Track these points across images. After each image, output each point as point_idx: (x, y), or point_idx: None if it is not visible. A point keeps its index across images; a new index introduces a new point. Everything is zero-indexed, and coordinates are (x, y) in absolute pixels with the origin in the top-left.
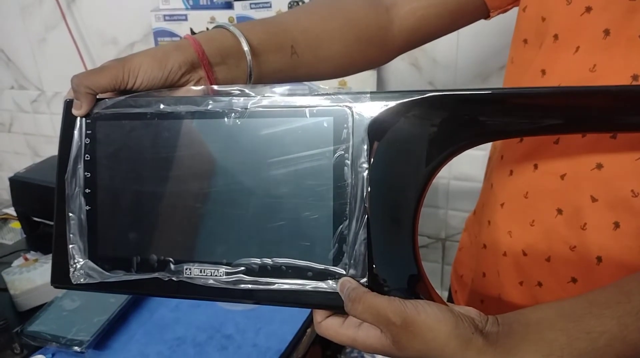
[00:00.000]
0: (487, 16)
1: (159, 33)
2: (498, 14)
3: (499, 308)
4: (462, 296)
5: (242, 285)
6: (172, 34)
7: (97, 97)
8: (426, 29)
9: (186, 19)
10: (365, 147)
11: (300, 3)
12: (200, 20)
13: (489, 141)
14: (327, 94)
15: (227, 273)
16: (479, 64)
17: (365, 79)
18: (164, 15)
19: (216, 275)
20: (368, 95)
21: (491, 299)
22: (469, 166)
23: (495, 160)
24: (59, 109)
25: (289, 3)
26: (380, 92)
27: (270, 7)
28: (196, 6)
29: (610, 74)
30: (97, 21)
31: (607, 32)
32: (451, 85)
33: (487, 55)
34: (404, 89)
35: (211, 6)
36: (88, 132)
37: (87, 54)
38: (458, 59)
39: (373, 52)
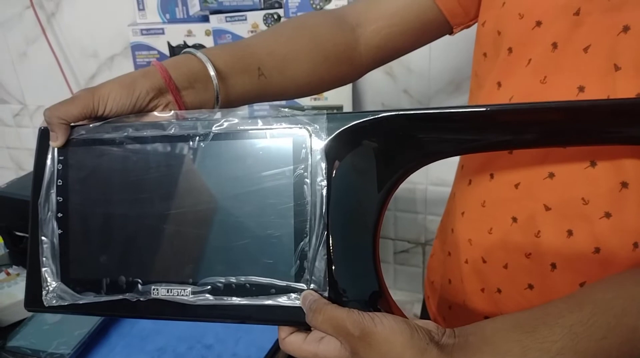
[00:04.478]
0: (450, 32)
1: (136, 47)
2: (461, 29)
3: (464, 314)
4: (434, 302)
5: (208, 304)
6: (149, 48)
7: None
8: (392, 47)
9: (163, 33)
10: (323, 166)
11: (275, 16)
12: (177, 34)
13: (442, 159)
14: (286, 116)
15: (194, 293)
16: (451, 72)
17: (341, 89)
18: (141, 30)
19: (183, 295)
20: (325, 116)
21: (457, 305)
22: (446, 172)
23: (457, 170)
24: (41, 122)
25: (264, 16)
26: (337, 112)
27: (246, 20)
28: (173, 20)
29: (558, 85)
30: (77, 35)
31: (555, 46)
32: (425, 92)
33: (459, 63)
34: (378, 96)
35: (188, 20)
36: (60, 158)
37: (68, 68)
38: (431, 68)
39: (341, 71)
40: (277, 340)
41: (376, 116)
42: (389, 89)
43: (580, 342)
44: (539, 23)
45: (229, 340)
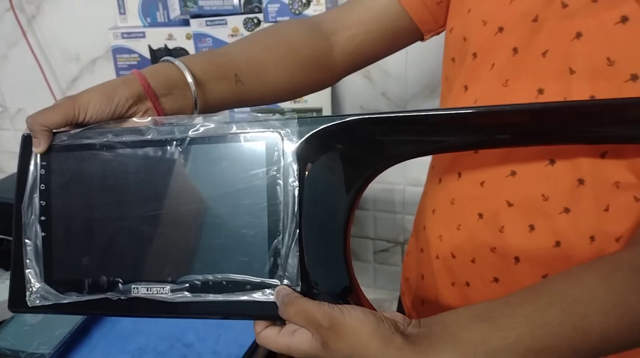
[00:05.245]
0: (422, 38)
1: (117, 50)
2: (432, 36)
3: (436, 308)
4: (409, 298)
5: (187, 301)
6: (130, 51)
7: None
8: (366, 53)
9: (144, 37)
10: (295, 167)
11: (255, 20)
12: (158, 38)
13: (405, 160)
14: (259, 120)
15: (172, 291)
16: (427, 75)
17: (320, 92)
18: (122, 33)
19: (162, 293)
20: (296, 121)
21: (430, 300)
22: (423, 173)
23: (429, 170)
24: (22, 126)
25: (244, 20)
26: (308, 117)
27: (226, 24)
28: (154, 24)
29: (519, 88)
30: (58, 38)
31: (515, 50)
32: (402, 95)
33: (434, 68)
34: (357, 99)
35: (168, 24)
36: (43, 163)
37: (49, 70)
38: (407, 72)
39: (317, 77)
40: None
41: (343, 120)
42: (368, 92)
43: (536, 329)
44: (501, 29)
45: (209, 339)
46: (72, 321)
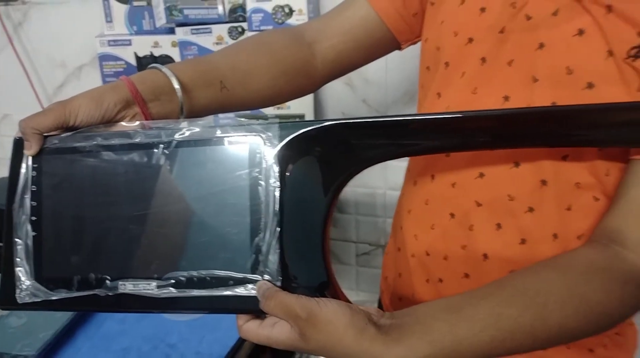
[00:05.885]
0: (399, 47)
1: (104, 57)
2: (408, 45)
3: (413, 304)
4: (387, 296)
5: (172, 296)
6: (117, 58)
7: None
8: (346, 61)
9: (130, 44)
10: (276, 169)
11: (239, 29)
12: (144, 45)
13: (378, 163)
14: (242, 124)
15: (158, 287)
16: (406, 84)
17: (303, 99)
18: (109, 41)
19: (148, 289)
20: (277, 125)
21: (407, 297)
22: (403, 177)
23: (405, 172)
24: (8, 131)
25: (229, 29)
26: (288, 121)
27: (211, 32)
28: (140, 32)
29: (487, 95)
30: (45, 45)
31: (483, 60)
32: (383, 102)
33: (413, 75)
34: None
35: (154, 31)
36: (35, 165)
37: (36, 77)
38: (387, 79)
39: (300, 84)
40: (240, 338)
41: (320, 125)
42: (349, 99)
43: (500, 319)
44: (470, 40)
45: (192, 339)
46: (57, 323)
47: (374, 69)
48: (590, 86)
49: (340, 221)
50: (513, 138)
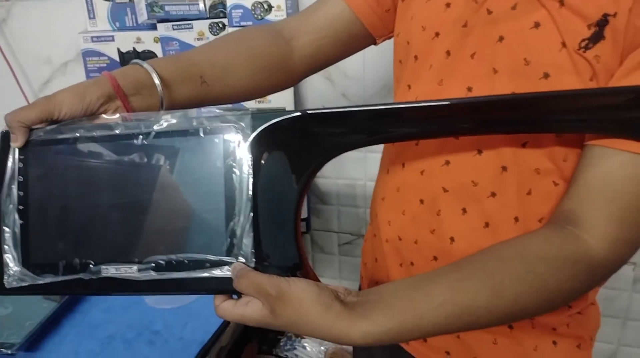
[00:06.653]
0: (374, 43)
1: (87, 53)
2: (383, 40)
3: None
4: (366, 281)
5: (153, 279)
6: (100, 54)
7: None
8: (323, 56)
9: (113, 40)
10: (249, 157)
11: (220, 24)
12: (127, 41)
13: (347, 151)
14: (217, 115)
15: (139, 270)
16: (384, 77)
17: (284, 93)
18: (92, 37)
19: (130, 272)
20: (250, 115)
21: (382, 281)
22: None
23: (380, 162)
24: None
25: (210, 25)
26: (260, 112)
27: (192, 28)
28: (122, 28)
29: (452, 86)
30: (29, 41)
31: (448, 53)
32: (361, 95)
33: (390, 69)
34: (319, 100)
35: (137, 28)
36: (21, 157)
37: (21, 74)
38: (365, 73)
39: (278, 79)
40: (222, 323)
41: (291, 115)
42: (328, 92)
43: (457, 295)
44: (437, 34)
45: (176, 326)
46: (43, 312)
47: (353, 63)
48: (546, 76)
49: (322, 212)
50: (472, 125)
